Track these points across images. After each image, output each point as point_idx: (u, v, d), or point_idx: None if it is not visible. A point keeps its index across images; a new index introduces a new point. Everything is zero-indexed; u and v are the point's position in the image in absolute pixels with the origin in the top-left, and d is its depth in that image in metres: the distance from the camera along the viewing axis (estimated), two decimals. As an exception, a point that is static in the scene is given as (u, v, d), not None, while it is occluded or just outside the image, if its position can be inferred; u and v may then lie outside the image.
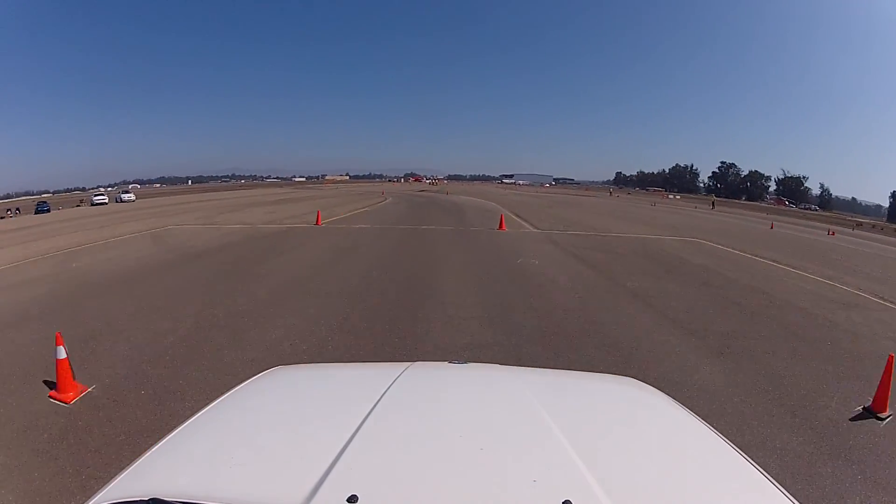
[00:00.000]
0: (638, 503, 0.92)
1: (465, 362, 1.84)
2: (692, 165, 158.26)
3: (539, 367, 2.12)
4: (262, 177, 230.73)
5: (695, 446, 1.23)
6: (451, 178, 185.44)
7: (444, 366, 1.85)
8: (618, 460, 1.08)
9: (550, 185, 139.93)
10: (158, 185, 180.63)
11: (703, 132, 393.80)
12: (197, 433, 1.23)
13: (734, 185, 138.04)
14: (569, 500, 0.86)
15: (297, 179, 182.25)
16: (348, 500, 0.85)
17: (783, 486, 1.04)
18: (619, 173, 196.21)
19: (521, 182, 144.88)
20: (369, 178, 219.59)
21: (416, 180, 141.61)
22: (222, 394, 1.47)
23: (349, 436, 1.09)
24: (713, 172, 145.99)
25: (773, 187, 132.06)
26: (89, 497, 0.97)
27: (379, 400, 1.29)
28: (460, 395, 1.45)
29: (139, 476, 1.04)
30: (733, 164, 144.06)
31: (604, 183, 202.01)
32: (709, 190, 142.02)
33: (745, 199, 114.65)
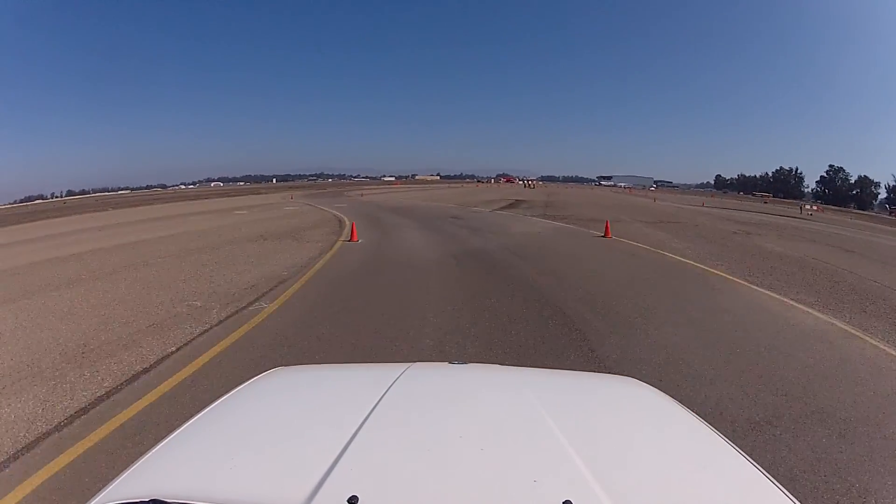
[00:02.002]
0: (638, 503, 0.92)
1: (465, 363, 1.84)
2: (797, 169, 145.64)
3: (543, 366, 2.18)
4: (350, 176, 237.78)
5: (695, 446, 1.24)
6: (543, 179, 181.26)
7: (444, 366, 1.87)
8: (618, 460, 1.08)
9: (653, 188, 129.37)
10: (242, 184, 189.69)
11: (810, 134, 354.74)
12: (197, 434, 1.23)
13: (843, 192, 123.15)
14: (569, 501, 0.86)
15: (386, 178, 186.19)
16: (348, 501, 0.85)
17: (784, 487, 1.04)
18: (719, 176, 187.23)
19: (621, 185, 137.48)
20: (460, 178, 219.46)
21: (507, 181, 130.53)
22: (222, 395, 1.46)
23: (349, 437, 1.08)
24: (821, 177, 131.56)
25: (882, 195, 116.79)
26: (90, 498, 0.97)
27: (379, 401, 1.29)
28: (460, 395, 1.45)
29: (140, 477, 1.03)
30: (841, 168, 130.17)
31: (699, 186, 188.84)
32: (816, 196, 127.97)
33: (854, 208, 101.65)
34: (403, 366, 1.64)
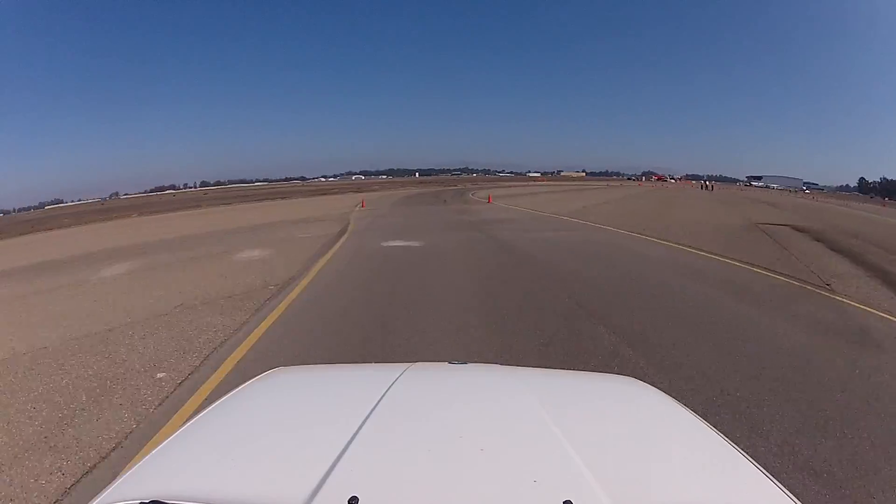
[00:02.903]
0: (639, 503, 0.93)
1: (465, 363, 1.83)
2: None
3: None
4: (495, 171, 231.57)
5: (695, 446, 1.23)
6: (686, 178, 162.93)
7: (445, 366, 1.84)
8: (618, 460, 1.08)
9: (806, 191, 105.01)
10: (384, 177, 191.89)
11: None
12: (197, 435, 1.23)
13: None
14: (569, 501, 0.86)
15: (531, 174, 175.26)
16: (349, 502, 0.86)
17: (784, 486, 1.03)
18: (862, 179, 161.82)
19: (773, 186, 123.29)
20: (606, 175, 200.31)
21: (658, 179, 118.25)
22: (223, 395, 1.46)
23: (349, 437, 1.08)
24: None
25: None
26: (90, 499, 0.96)
27: (379, 401, 1.28)
28: (460, 395, 1.44)
29: (140, 478, 1.03)
30: None
31: (839, 189, 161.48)
32: None
33: None
34: (403, 366, 1.62)
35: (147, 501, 0.89)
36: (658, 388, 1.61)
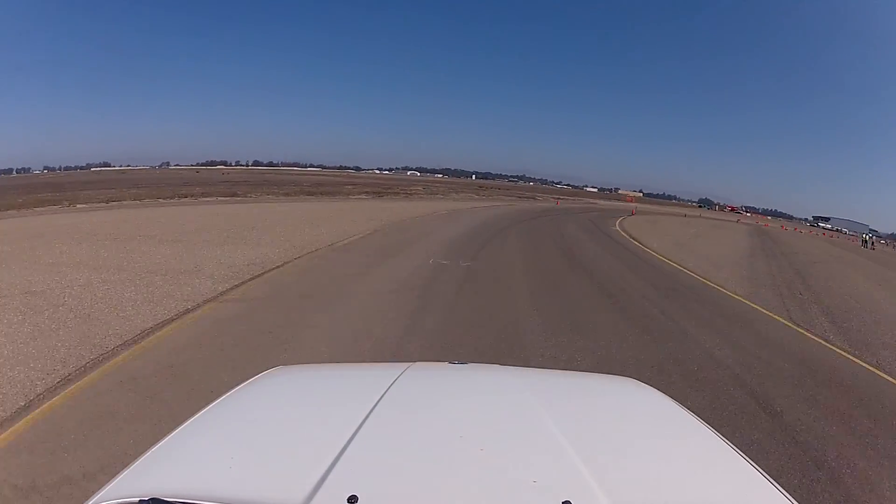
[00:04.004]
0: (637, 503, 0.92)
1: (466, 363, 1.81)
2: None
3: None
4: (552, 182, 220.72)
5: (694, 446, 1.24)
6: (748, 210, 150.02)
7: (445, 366, 1.84)
8: (617, 460, 1.08)
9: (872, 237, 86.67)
10: (440, 175, 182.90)
11: None
12: (197, 433, 1.22)
13: None
14: (569, 501, 0.86)
15: (589, 189, 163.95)
16: (348, 501, 0.85)
17: (783, 487, 1.03)
18: None
19: (843, 230, 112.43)
20: (662, 197, 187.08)
21: (732, 210, 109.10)
22: (223, 394, 1.45)
23: (349, 436, 1.08)
24: None
25: None
26: (89, 497, 0.97)
27: (379, 400, 1.28)
28: (460, 395, 1.44)
29: (139, 475, 1.03)
30: None
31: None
32: None
33: None
34: (403, 365, 1.62)
35: (146, 498, 0.88)
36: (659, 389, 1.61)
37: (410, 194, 44.85)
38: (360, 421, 1.14)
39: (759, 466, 1.10)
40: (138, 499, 0.88)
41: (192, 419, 1.27)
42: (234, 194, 31.48)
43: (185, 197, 27.84)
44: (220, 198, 28.52)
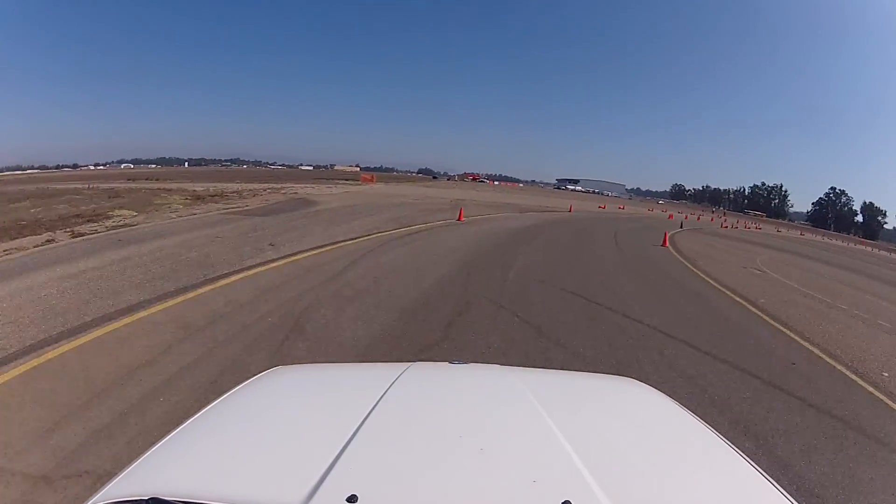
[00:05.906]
0: (637, 503, 0.92)
1: (466, 362, 1.81)
2: (780, 186, 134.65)
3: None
4: (266, 163, 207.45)
5: (694, 446, 1.24)
6: (494, 178, 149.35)
7: (445, 366, 1.83)
8: (617, 461, 1.08)
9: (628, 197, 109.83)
10: (155, 167, 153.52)
11: (805, 150, 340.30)
12: (197, 432, 1.21)
13: (847, 217, 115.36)
14: (569, 501, 0.86)
15: (303, 168, 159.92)
16: (348, 500, 0.85)
17: (783, 487, 1.04)
18: (677, 185, 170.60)
19: (590, 190, 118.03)
20: (381, 171, 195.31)
21: (473, 179, 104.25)
22: (223, 393, 1.44)
23: (349, 436, 1.07)
24: (819, 199, 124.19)
25: (890, 224, 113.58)
26: (89, 496, 0.96)
27: (379, 400, 1.27)
28: (460, 395, 1.44)
29: (139, 475, 1.02)
30: (843, 191, 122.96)
31: (641, 193, 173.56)
32: (811, 219, 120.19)
33: (860, 236, 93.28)
34: (404, 365, 1.61)
35: (146, 498, 0.87)
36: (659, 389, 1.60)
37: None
38: (360, 421, 1.14)
39: (759, 467, 1.11)
40: (138, 498, 0.88)
41: (192, 419, 1.25)
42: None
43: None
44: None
